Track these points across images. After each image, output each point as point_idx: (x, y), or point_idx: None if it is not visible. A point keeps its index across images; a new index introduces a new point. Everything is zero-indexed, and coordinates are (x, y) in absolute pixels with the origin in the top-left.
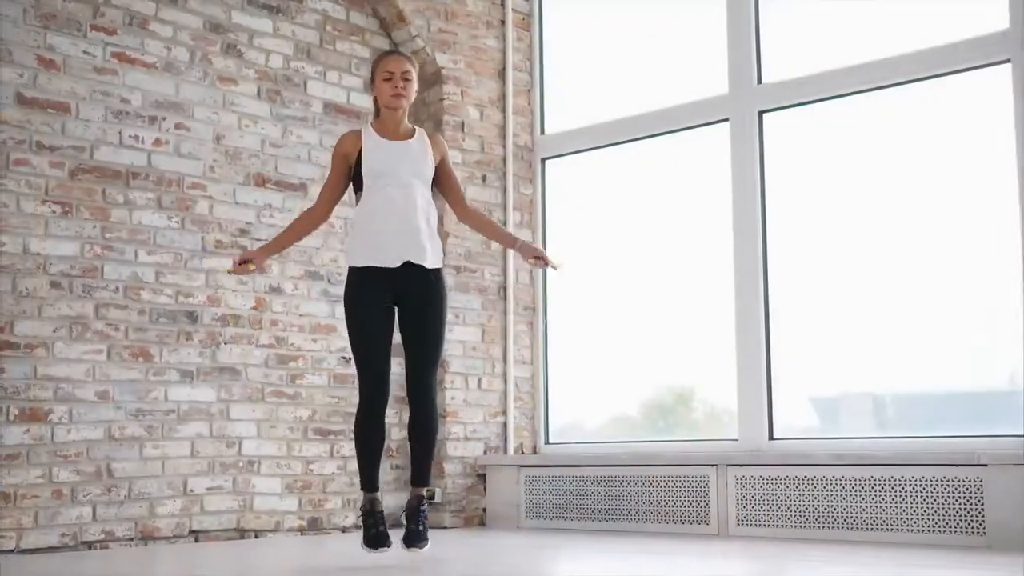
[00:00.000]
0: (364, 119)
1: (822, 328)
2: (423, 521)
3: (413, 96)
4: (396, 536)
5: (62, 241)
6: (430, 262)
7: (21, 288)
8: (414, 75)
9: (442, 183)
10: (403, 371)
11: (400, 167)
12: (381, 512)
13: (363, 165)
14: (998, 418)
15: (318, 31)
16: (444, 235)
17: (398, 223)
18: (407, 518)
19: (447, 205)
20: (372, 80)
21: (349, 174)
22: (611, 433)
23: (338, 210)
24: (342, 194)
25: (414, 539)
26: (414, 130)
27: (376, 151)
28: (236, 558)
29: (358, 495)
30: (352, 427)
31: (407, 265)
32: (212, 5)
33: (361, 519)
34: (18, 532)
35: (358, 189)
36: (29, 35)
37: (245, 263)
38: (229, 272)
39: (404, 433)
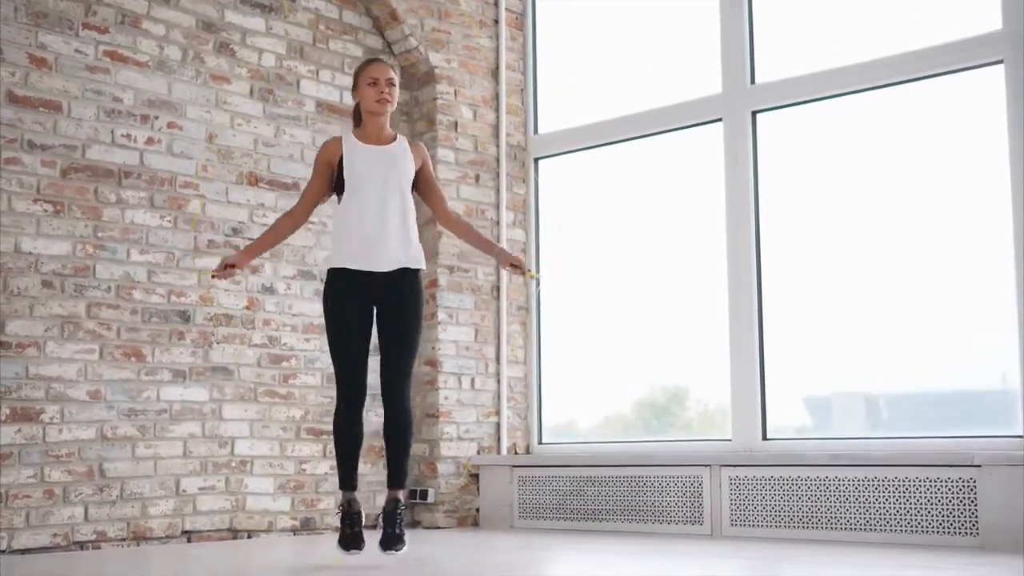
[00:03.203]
0: None
1: (815, 328)
2: (399, 524)
3: (395, 102)
4: (373, 539)
5: (54, 240)
6: (409, 264)
7: (12, 287)
8: (397, 81)
9: (423, 190)
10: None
11: (381, 171)
12: (358, 513)
13: (344, 169)
14: (990, 418)
15: (311, 30)
16: (436, 235)
17: (378, 226)
18: (383, 521)
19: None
20: (355, 86)
21: (331, 180)
22: (604, 433)
23: (327, 208)
24: (322, 197)
25: (391, 542)
26: (395, 136)
27: (357, 155)
28: (229, 558)
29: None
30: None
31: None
32: (204, 4)
33: (339, 516)
34: (9, 532)
35: (340, 193)
36: (20, 33)
37: (229, 267)
38: (213, 276)
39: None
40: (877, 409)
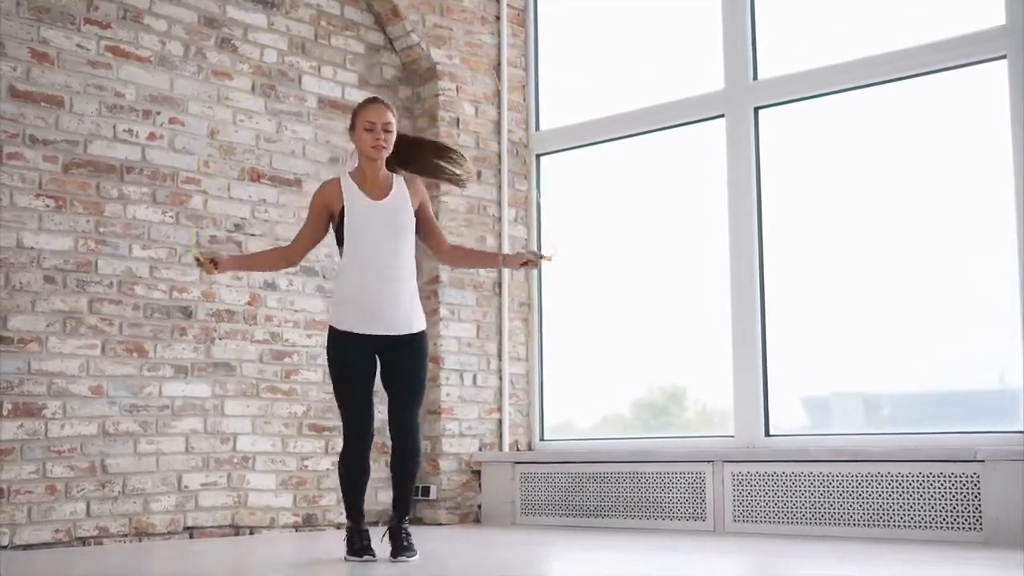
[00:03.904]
0: None
1: (815, 325)
2: (407, 538)
3: (392, 146)
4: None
5: (56, 235)
6: (413, 328)
7: (15, 282)
8: (394, 124)
9: (421, 229)
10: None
11: (383, 229)
12: (367, 530)
13: (346, 225)
14: (989, 417)
15: (312, 26)
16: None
17: (380, 293)
18: (391, 540)
19: (429, 249)
20: (351, 126)
21: (328, 224)
22: (603, 433)
23: None
24: (318, 241)
25: (402, 551)
26: (392, 181)
27: (358, 211)
28: (231, 555)
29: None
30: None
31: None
32: None
33: (346, 538)
34: (11, 528)
35: (340, 243)
36: (22, 28)
37: (211, 263)
38: (195, 256)
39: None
40: (875, 409)
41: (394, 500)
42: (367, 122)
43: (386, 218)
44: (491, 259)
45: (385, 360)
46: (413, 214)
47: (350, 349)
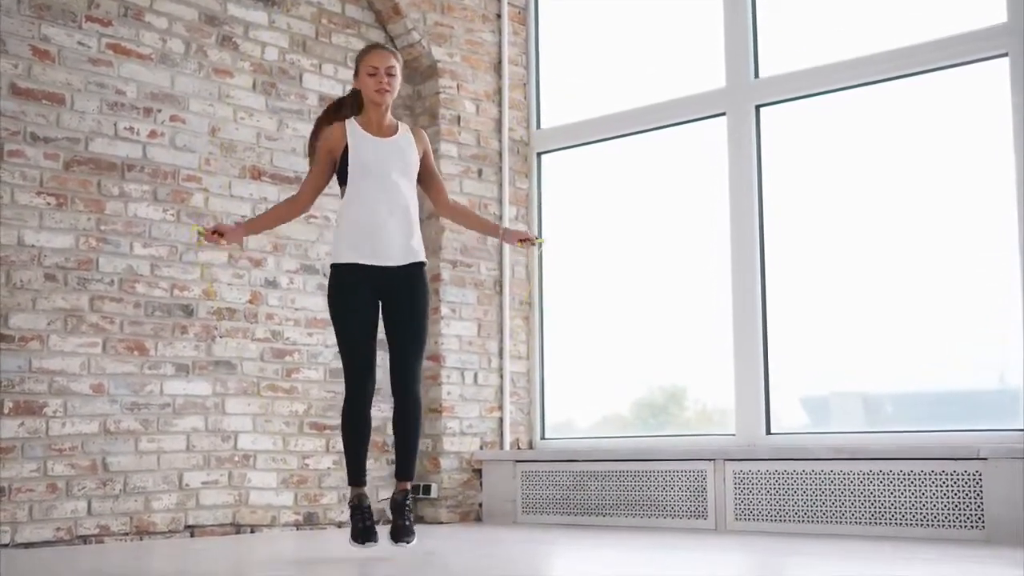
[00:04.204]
0: None
1: (816, 323)
2: (408, 516)
3: (397, 91)
4: (383, 532)
5: (57, 233)
6: (414, 258)
7: (15, 280)
8: (398, 70)
9: (424, 178)
10: (387, 364)
11: (387, 164)
12: (368, 507)
13: (350, 161)
14: (990, 418)
15: (313, 24)
16: (439, 230)
17: (384, 220)
18: (392, 512)
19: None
20: (356, 72)
21: (333, 167)
22: (603, 431)
23: (330, 203)
24: (325, 185)
25: (401, 534)
26: (398, 125)
27: (364, 148)
28: (232, 553)
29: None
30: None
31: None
32: None
33: (349, 514)
34: (12, 526)
35: (343, 182)
36: (23, 25)
37: (217, 234)
38: (199, 235)
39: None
40: (874, 409)
41: (396, 464)
42: (370, 67)
43: (392, 154)
44: (491, 227)
45: (387, 301)
46: (418, 160)
47: (353, 289)
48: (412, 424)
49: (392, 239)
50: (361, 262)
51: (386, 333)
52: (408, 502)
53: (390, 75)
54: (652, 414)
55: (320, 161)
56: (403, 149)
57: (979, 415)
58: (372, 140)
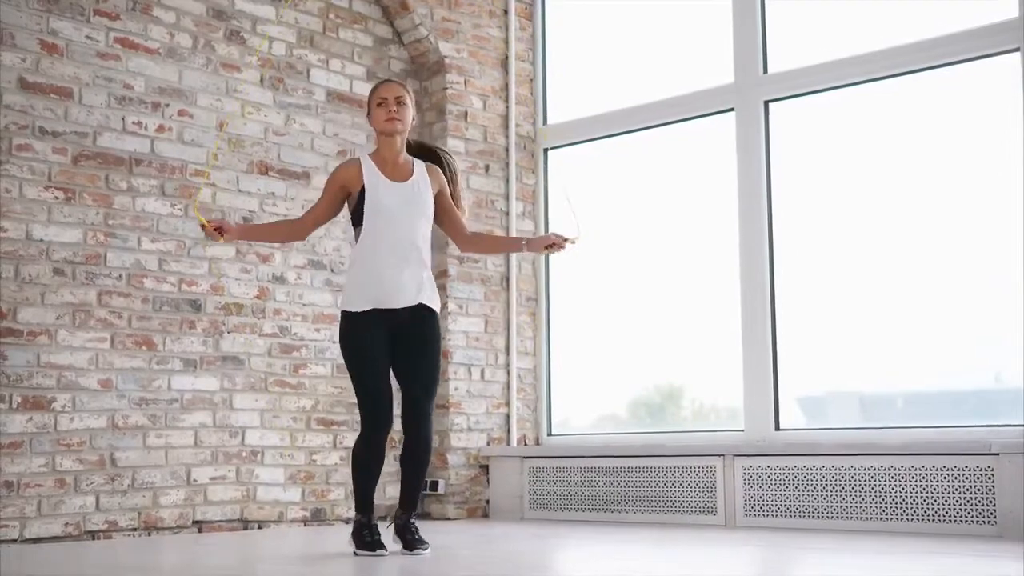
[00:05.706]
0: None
1: (826, 318)
2: (416, 532)
3: (409, 122)
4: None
5: (65, 228)
6: (427, 302)
7: (24, 275)
8: (408, 100)
9: (440, 216)
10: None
11: (403, 209)
12: (376, 525)
13: (366, 204)
14: (998, 416)
15: (321, 19)
16: None
17: (398, 268)
18: (399, 533)
19: (448, 238)
20: (368, 110)
21: (342, 204)
22: (610, 428)
23: None
24: (327, 220)
25: (414, 544)
26: (413, 165)
27: (379, 191)
28: (239, 548)
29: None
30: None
31: (406, 307)
32: None
33: (353, 532)
34: (21, 521)
35: (357, 223)
36: (32, 19)
37: (218, 231)
38: (202, 227)
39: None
40: (872, 409)
41: (401, 496)
42: (379, 98)
43: (407, 199)
44: (514, 244)
45: (399, 343)
46: (432, 201)
47: (366, 331)
48: (420, 464)
49: (405, 286)
50: (375, 307)
51: (396, 372)
52: (413, 522)
53: (400, 104)
54: (648, 413)
55: (329, 193)
56: (418, 192)
57: (988, 414)
58: (388, 184)
